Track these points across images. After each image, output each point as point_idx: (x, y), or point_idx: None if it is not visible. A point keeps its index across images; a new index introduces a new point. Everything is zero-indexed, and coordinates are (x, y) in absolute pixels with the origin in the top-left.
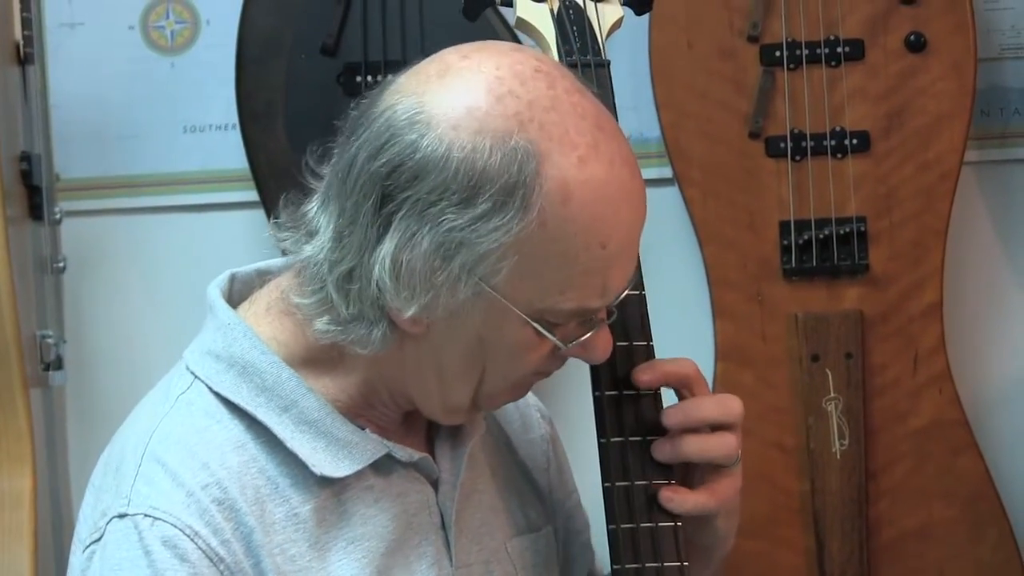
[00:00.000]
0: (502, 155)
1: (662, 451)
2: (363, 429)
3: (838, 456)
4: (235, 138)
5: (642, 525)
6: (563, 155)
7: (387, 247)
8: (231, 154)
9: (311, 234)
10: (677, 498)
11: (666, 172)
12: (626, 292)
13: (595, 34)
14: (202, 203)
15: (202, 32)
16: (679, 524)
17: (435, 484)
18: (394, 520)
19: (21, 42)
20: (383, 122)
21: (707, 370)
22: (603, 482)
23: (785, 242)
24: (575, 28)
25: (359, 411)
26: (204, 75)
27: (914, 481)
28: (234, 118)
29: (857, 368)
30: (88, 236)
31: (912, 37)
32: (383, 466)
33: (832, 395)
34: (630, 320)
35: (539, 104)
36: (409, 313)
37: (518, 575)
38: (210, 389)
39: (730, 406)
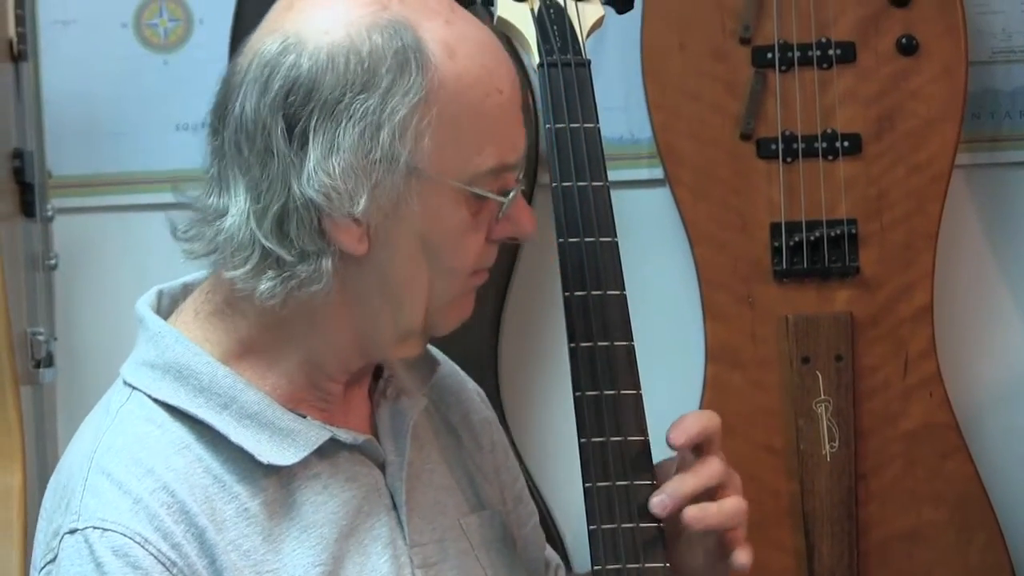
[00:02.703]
0: (380, 33)
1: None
2: (304, 417)
3: (828, 458)
4: None
5: (623, 526)
6: (430, 20)
7: (312, 162)
8: None
9: (221, 215)
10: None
11: (657, 173)
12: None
13: (576, 33)
14: None
15: (195, 30)
16: (662, 525)
17: (383, 467)
18: (344, 505)
19: (14, 39)
20: (257, 65)
21: (697, 371)
22: (584, 482)
23: (776, 244)
24: (555, 28)
25: (302, 397)
26: (197, 73)
27: (904, 484)
28: None
29: (847, 370)
30: (80, 233)
31: (903, 40)
32: (328, 453)
33: (822, 397)
34: (612, 321)
35: None
36: (359, 210)
37: (475, 551)
38: (149, 397)
39: (710, 473)
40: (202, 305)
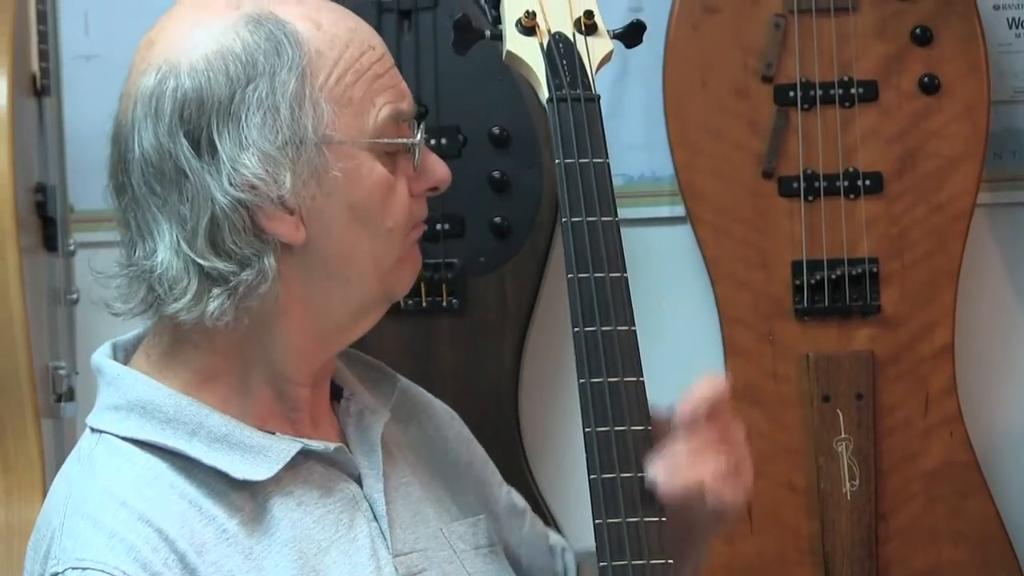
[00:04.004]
0: (245, 27)
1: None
2: (274, 433)
3: (848, 497)
4: None
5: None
6: (283, 4)
7: (227, 163)
8: None
9: (150, 257)
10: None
11: (679, 211)
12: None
13: (585, 68)
14: None
15: None
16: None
17: (358, 480)
18: (322, 519)
19: (38, 74)
20: (141, 104)
21: None
22: (594, 519)
23: (797, 282)
24: (565, 62)
25: (269, 414)
26: None
27: (924, 523)
28: None
29: (868, 409)
30: (102, 268)
31: (926, 79)
32: (302, 469)
33: (843, 436)
34: (622, 357)
35: None
36: (287, 191)
37: (459, 558)
38: (117, 437)
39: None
40: (151, 349)
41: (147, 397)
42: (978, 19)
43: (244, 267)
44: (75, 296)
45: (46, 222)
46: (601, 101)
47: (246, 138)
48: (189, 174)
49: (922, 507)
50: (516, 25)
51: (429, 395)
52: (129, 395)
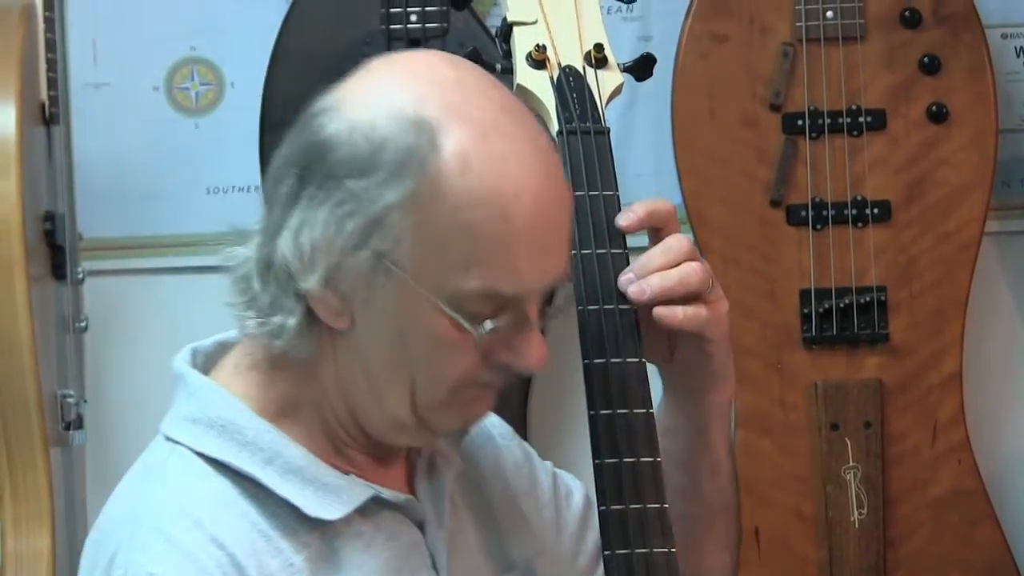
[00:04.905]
0: (399, 126)
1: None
2: (347, 474)
3: (856, 525)
4: (257, 200)
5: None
6: (462, 129)
7: (293, 222)
8: (253, 216)
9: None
10: (669, 310)
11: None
12: (557, 292)
13: (595, 101)
14: (225, 264)
15: (227, 94)
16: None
17: (420, 526)
18: (386, 564)
19: (47, 102)
20: (304, 117)
21: None
22: (603, 550)
23: (805, 310)
24: (575, 95)
25: (341, 454)
26: (228, 137)
27: (932, 551)
28: (257, 180)
29: (876, 437)
30: (110, 296)
31: (934, 108)
32: (371, 512)
33: (851, 464)
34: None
35: (442, 84)
36: (312, 284)
37: None
38: (192, 451)
39: (677, 248)
40: (241, 359)
41: (228, 416)
42: (986, 48)
43: (274, 309)
44: (84, 324)
45: (55, 250)
46: (610, 128)
47: (315, 216)
48: (277, 205)
49: (930, 535)
50: (526, 58)
51: (488, 421)
52: (210, 411)
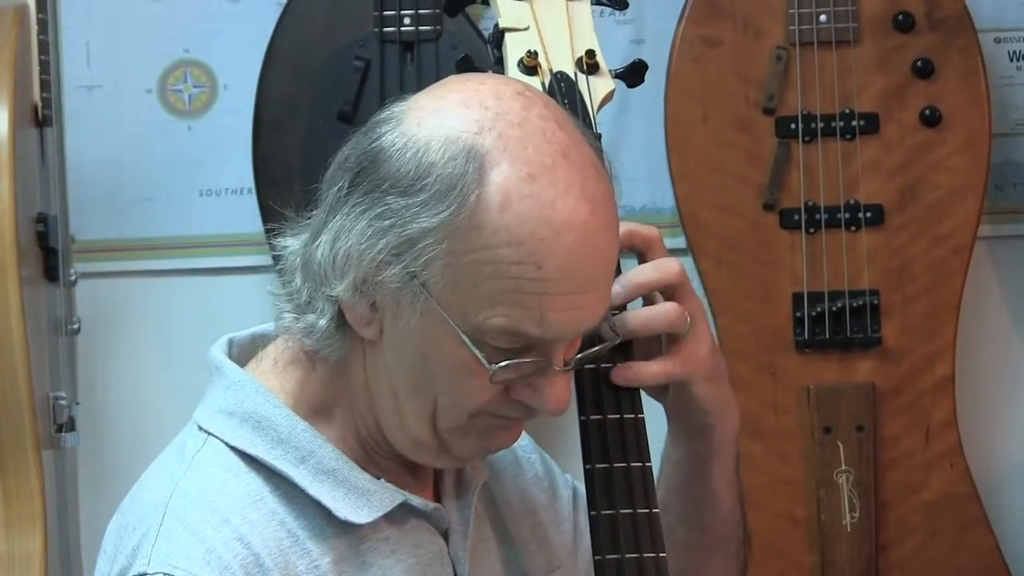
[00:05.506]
0: (451, 152)
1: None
2: (379, 479)
3: (848, 529)
4: (251, 202)
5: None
6: (512, 166)
7: (334, 226)
8: (247, 218)
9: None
10: (631, 371)
11: (680, 243)
12: (582, 354)
13: (587, 107)
14: (217, 267)
15: (220, 96)
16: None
17: (444, 535)
18: (410, 571)
19: (39, 104)
20: (370, 123)
21: None
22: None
23: (798, 314)
24: (566, 101)
25: (362, 462)
26: (221, 139)
27: (924, 555)
28: (250, 182)
29: (868, 441)
30: (103, 298)
31: (927, 111)
32: (397, 517)
33: (843, 467)
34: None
35: (505, 118)
36: (340, 291)
37: None
38: (226, 444)
39: (668, 268)
40: (281, 354)
41: (264, 412)
42: (979, 52)
43: (309, 307)
44: (76, 326)
45: (47, 252)
46: (603, 133)
47: (353, 225)
48: (324, 207)
49: (922, 539)
50: (518, 64)
51: None
52: (246, 405)
